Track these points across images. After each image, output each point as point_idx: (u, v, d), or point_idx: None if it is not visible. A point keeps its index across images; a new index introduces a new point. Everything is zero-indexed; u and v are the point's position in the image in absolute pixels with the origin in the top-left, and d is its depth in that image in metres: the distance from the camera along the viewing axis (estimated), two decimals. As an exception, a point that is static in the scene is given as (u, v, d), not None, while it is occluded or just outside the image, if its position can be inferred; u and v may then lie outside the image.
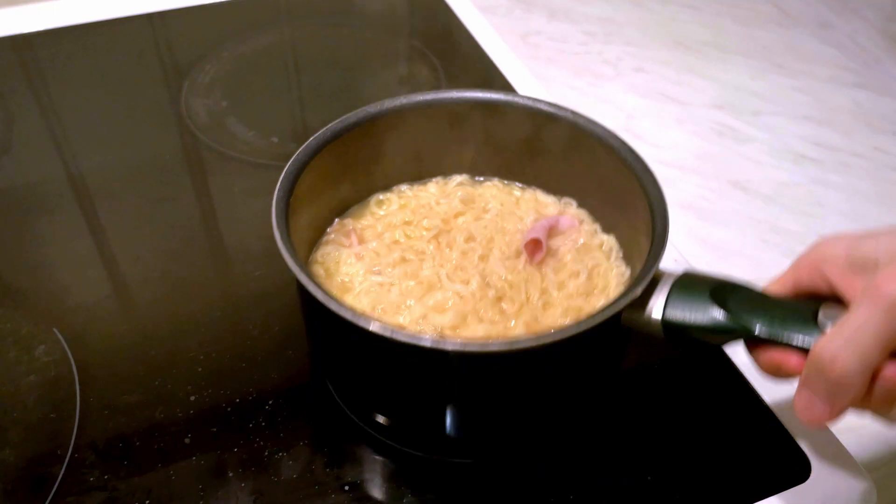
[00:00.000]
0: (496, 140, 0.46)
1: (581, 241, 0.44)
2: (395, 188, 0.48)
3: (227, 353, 0.45)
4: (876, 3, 0.82)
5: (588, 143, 0.43)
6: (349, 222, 0.46)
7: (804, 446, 0.41)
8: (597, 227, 0.46)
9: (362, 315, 0.34)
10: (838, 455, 0.40)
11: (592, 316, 0.34)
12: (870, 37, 0.77)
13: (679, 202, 0.58)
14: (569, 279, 0.43)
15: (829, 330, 0.32)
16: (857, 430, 0.42)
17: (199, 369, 0.44)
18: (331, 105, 0.65)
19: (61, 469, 0.39)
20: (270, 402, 0.42)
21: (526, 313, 0.41)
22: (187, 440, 0.40)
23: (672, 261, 0.50)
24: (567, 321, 0.40)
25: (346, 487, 0.39)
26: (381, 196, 0.47)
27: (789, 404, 0.42)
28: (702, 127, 0.65)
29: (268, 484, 0.39)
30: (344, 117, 0.43)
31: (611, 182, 0.43)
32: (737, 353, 0.44)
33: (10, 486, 0.38)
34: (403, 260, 0.43)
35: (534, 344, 0.33)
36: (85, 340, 0.45)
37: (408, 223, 0.46)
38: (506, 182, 0.48)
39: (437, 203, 0.47)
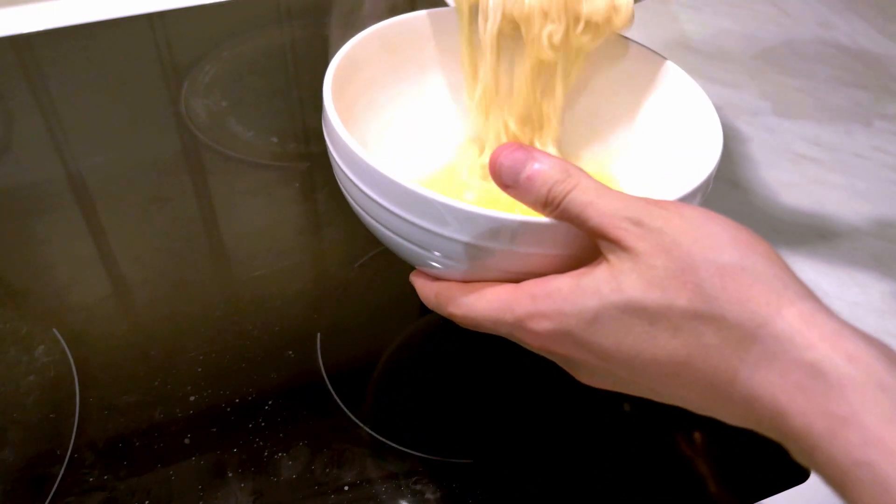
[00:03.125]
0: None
1: None
2: None
3: (227, 353, 0.45)
4: (876, 3, 0.82)
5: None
6: None
7: (804, 446, 0.41)
8: None
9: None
10: (838, 455, 0.40)
11: None
12: (870, 37, 0.77)
13: (679, 202, 0.58)
14: None
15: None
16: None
17: (199, 369, 0.44)
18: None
19: (61, 469, 0.39)
20: (270, 402, 0.42)
21: None
22: (187, 440, 0.40)
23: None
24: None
25: (346, 488, 0.39)
26: None
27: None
28: (702, 127, 0.65)
29: (267, 484, 0.39)
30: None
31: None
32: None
33: (10, 486, 0.38)
34: None
35: None
36: (85, 340, 0.45)
37: None
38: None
39: None
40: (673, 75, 0.43)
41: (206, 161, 0.58)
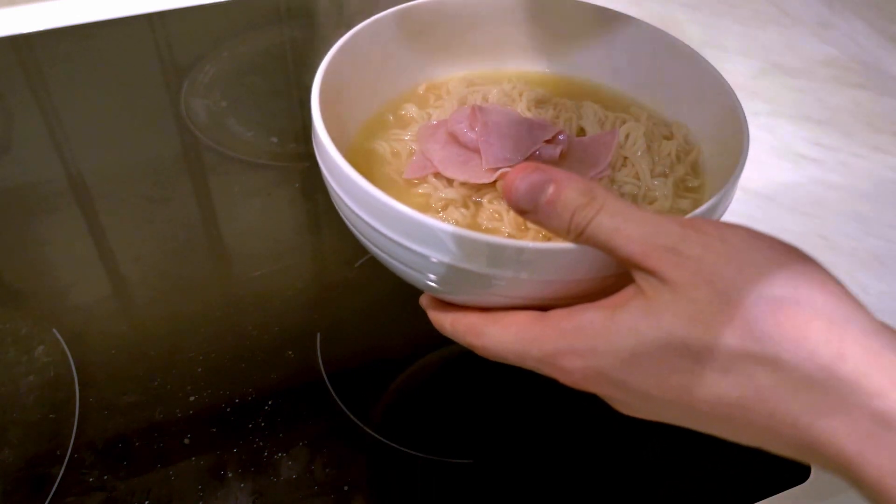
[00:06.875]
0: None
1: None
2: None
3: (227, 353, 0.45)
4: (876, 3, 0.82)
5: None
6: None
7: (804, 446, 0.41)
8: None
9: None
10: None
11: None
12: (870, 37, 0.77)
13: (679, 202, 0.58)
14: None
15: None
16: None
17: (199, 369, 0.44)
18: (331, 105, 0.66)
19: (61, 469, 0.39)
20: (270, 403, 0.42)
21: None
22: (187, 440, 0.40)
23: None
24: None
25: (346, 488, 0.39)
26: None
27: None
28: (702, 127, 0.65)
29: (267, 484, 0.39)
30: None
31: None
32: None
33: (10, 486, 0.38)
34: None
35: None
36: (84, 340, 0.45)
37: None
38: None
39: None
40: (707, 75, 0.42)
41: (206, 161, 0.58)
